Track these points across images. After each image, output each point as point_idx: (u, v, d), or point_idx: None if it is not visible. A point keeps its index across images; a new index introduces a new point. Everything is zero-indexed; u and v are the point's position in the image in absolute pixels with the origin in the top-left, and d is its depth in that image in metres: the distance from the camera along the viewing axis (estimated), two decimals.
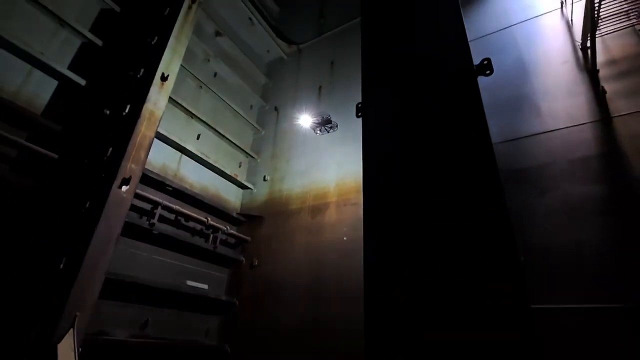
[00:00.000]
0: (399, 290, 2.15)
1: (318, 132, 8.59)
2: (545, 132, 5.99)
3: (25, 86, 5.64)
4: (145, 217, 6.54)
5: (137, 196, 6.13)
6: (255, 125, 9.71)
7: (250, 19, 10.05)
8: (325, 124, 8.44)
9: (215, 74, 9.12)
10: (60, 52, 6.24)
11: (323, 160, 8.01)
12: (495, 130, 6.55)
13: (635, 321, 4.29)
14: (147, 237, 6.49)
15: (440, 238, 2.16)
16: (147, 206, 6.64)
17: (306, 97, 9.41)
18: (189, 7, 7.09)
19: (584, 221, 5.08)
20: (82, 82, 6.30)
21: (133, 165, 5.06)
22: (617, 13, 5.99)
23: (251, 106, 10.21)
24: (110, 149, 5.38)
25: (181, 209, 7.00)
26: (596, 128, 5.57)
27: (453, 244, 2.11)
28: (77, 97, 6.24)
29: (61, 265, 4.32)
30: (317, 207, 7.42)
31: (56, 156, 5.51)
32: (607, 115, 5.57)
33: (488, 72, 2.73)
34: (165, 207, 6.71)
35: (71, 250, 4.35)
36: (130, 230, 6.07)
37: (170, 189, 7.20)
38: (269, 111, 10.10)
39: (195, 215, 7.20)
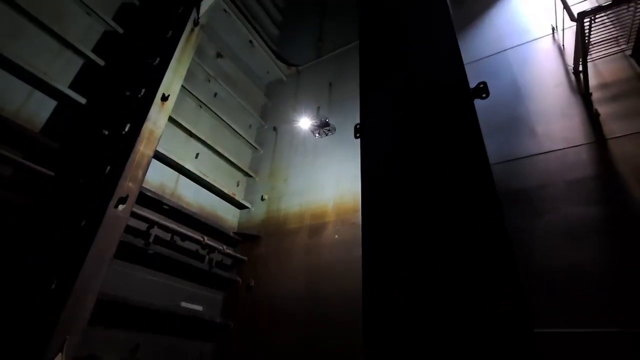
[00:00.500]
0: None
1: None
2: (541, 154, 6.04)
3: (26, 105, 5.68)
4: (141, 237, 6.45)
5: (133, 215, 6.08)
6: (254, 144, 9.78)
7: (250, 41, 10.29)
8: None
9: (215, 94, 9.25)
10: (62, 72, 6.33)
11: (321, 179, 8.02)
12: (492, 151, 6.62)
13: (636, 346, 4.19)
14: (142, 257, 6.38)
15: (440, 261, 2.13)
16: (143, 225, 6.56)
17: (305, 116, 9.50)
18: (192, 30, 7.28)
19: (582, 242, 5.05)
20: (83, 100, 6.35)
21: (131, 184, 5.04)
22: (607, 39, 6.18)
23: (250, 125, 10.31)
24: (109, 167, 5.37)
25: (177, 228, 6.93)
26: (592, 150, 5.63)
27: (453, 267, 2.08)
28: (76, 115, 6.27)
29: (52, 286, 4.22)
30: (315, 227, 7.37)
31: (52, 174, 5.48)
32: (602, 137, 5.65)
33: (484, 95, 2.77)
34: (161, 227, 6.64)
35: (63, 270, 4.26)
36: (124, 250, 5.97)
37: (167, 207, 7.15)
38: (268, 131, 10.19)
39: (191, 234, 7.11)
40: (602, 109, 5.83)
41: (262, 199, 8.70)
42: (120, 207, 4.77)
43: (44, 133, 5.75)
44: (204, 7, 7.66)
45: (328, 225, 7.23)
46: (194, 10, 7.44)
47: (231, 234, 8.24)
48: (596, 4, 6.32)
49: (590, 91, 6.03)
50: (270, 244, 7.86)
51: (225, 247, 7.61)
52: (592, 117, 5.87)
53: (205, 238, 7.25)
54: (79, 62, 6.63)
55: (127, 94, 6.53)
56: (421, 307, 2.06)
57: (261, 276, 7.54)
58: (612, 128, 5.63)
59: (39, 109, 5.84)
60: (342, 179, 7.60)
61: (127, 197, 4.92)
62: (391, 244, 2.42)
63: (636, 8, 5.40)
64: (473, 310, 1.91)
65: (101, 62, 6.88)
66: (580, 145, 5.77)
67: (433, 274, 2.14)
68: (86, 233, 4.51)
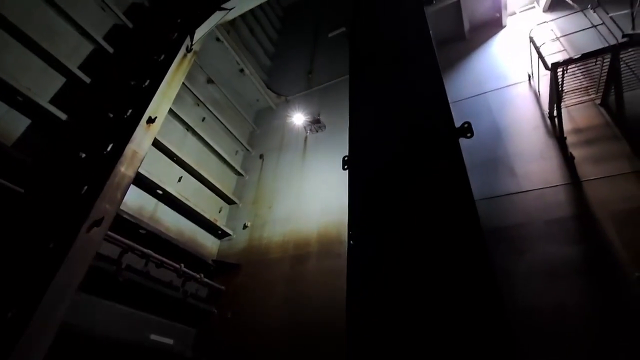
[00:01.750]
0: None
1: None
2: (520, 192, 6.23)
3: (3, 117, 5.50)
4: (112, 263, 6.11)
5: (107, 239, 5.79)
6: (240, 170, 9.70)
7: (242, 70, 10.49)
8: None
9: (203, 119, 9.25)
10: (44, 86, 6.22)
11: (306, 208, 7.95)
12: (473, 188, 6.79)
13: None
14: (111, 285, 6.01)
15: (425, 297, 2.09)
16: (116, 251, 6.24)
17: (292, 146, 9.59)
18: (184, 56, 7.36)
19: (564, 283, 5.11)
20: (63, 116, 6.21)
21: (107, 206, 4.83)
22: (578, 88, 6.63)
23: (236, 152, 10.28)
24: (86, 187, 5.16)
25: (153, 254, 6.61)
26: (568, 191, 5.85)
27: (438, 304, 2.04)
28: (55, 131, 6.10)
29: (9, 314, 3.88)
30: (298, 257, 7.20)
31: (22, 190, 5.22)
32: (577, 179, 5.90)
33: (469, 134, 2.86)
34: (135, 252, 6.33)
35: (24, 298, 3.93)
36: (93, 277, 5.61)
37: (144, 232, 6.87)
38: (254, 157, 10.17)
39: (167, 261, 6.80)
40: (577, 153, 6.13)
41: (245, 227, 8.50)
42: (94, 229, 4.53)
43: (17, 147, 5.53)
44: (198, 35, 7.82)
45: (312, 256, 7.08)
46: (188, 38, 7.56)
47: (210, 261, 7.93)
48: (567, 56, 6.80)
49: (565, 135, 6.36)
50: (250, 274, 7.59)
51: (202, 275, 7.28)
52: (567, 160, 6.15)
53: (182, 265, 6.94)
54: (62, 78, 6.54)
55: (112, 113, 6.44)
56: (406, 341, 2.00)
57: (240, 307, 7.20)
58: (586, 171, 5.90)
59: (14, 122, 5.65)
60: (327, 209, 7.56)
61: (102, 219, 4.70)
62: (377, 276, 2.36)
63: (603, 62, 5.84)
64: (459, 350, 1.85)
65: (87, 79, 6.81)
66: (558, 185, 6.00)
67: (418, 311, 2.09)
68: (53, 256, 4.23)
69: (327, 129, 9.38)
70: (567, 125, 6.46)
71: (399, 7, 3.85)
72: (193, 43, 7.54)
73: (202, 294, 7.65)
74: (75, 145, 6.09)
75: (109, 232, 5.62)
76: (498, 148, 6.80)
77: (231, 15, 7.91)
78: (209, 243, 8.35)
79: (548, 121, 6.80)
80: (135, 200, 6.93)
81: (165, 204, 7.46)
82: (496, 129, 7.15)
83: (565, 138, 6.36)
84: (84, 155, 5.82)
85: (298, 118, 9.71)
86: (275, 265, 7.43)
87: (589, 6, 6.64)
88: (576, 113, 6.64)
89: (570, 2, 7.21)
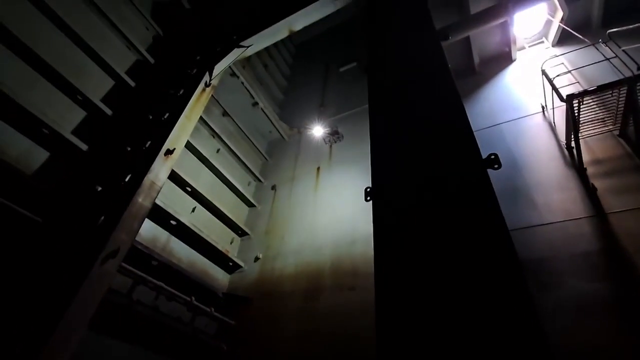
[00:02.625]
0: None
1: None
2: (543, 225, 6.04)
3: (28, 149, 5.66)
4: (123, 296, 5.99)
5: (119, 269, 5.71)
6: (252, 201, 9.69)
7: (256, 103, 10.79)
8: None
9: (218, 150, 9.40)
10: (69, 118, 6.43)
11: (318, 239, 7.81)
12: None
13: None
14: (121, 319, 5.85)
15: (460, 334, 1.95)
16: (126, 281, 6.13)
17: (305, 177, 9.61)
18: (203, 90, 7.62)
19: (595, 321, 4.80)
20: (84, 147, 6.37)
21: (124, 236, 4.81)
22: (594, 120, 6.59)
23: (249, 183, 10.33)
24: (102, 217, 5.17)
25: (164, 286, 6.48)
26: (593, 223, 5.65)
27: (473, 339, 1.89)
28: (76, 161, 6.23)
29: (17, 349, 3.75)
30: (311, 290, 6.96)
31: (40, 220, 5.25)
32: (602, 211, 5.71)
33: (496, 166, 2.81)
34: (148, 284, 6.21)
35: (34, 332, 3.82)
36: (104, 310, 5.48)
37: (156, 263, 6.78)
38: (267, 188, 10.18)
39: (179, 294, 6.64)
40: (598, 184, 5.98)
41: (257, 259, 8.34)
42: (110, 261, 4.47)
43: (36, 177, 5.64)
44: (217, 70, 8.14)
45: (325, 289, 6.84)
46: (207, 73, 7.87)
47: (220, 294, 7.73)
48: (580, 88, 6.82)
49: (585, 166, 6.24)
50: (261, 307, 7.34)
51: (213, 309, 7.07)
52: (589, 191, 5.99)
53: (193, 298, 6.76)
54: (85, 111, 6.76)
55: (132, 145, 6.59)
56: None
57: (250, 343, 6.90)
58: (611, 203, 5.72)
59: (35, 153, 5.80)
60: (340, 241, 7.41)
61: (118, 250, 4.66)
62: (406, 316, 2.23)
63: (620, 94, 5.84)
64: None
65: (109, 112, 7.05)
66: (581, 218, 5.80)
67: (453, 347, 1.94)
68: (67, 288, 4.15)
69: (339, 161, 9.42)
70: (585, 156, 6.37)
71: (417, 42, 3.96)
72: (212, 78, 7.83)
73: (211, 328, 7.38)
74: (94, 176, 6.20)
75: (122, 263, 5.55)
76: (516, 179, 6.69)
77: (248, 53, 8.26)
78: (220, 275, 8.18)
79: (566, 152, 6.72)
80: (149, 230, 6.91)
81: (179, 234, 7.41)
82: (513, 160, 7.07)
83: (585, 169, 6.24)
84: (102, 186, 5.90)
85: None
86: (287, 299, 7.19)
87: (600, 40, 6.75)
88: (594, 144, 6.56)
89: (581, 37, 7.36)
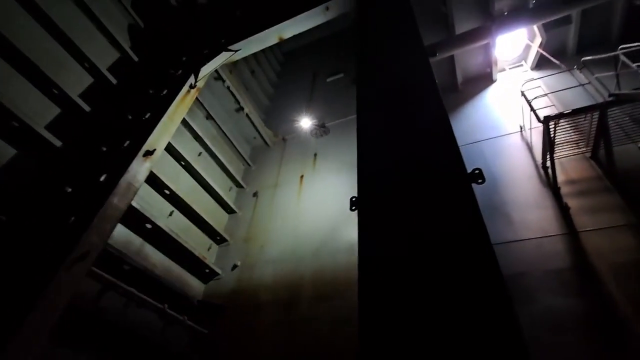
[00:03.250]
0: None
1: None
2: (519, 241, 6.20)
3: None
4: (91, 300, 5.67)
5: (87, 273, 5.41)
6: (233, 207, 9.50)
7: (241, 108, 10.69)
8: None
9: (200, 154, 9.20)
10: (42, 114, 6.15)
11: (300, 247, 7.71)
12: None
13: None
14: (86, 327, 5.53)
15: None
16: (94, 285, 5.82)
17: (288, 184, 9.53)
18: (187, 92, 7.47)
19: (569, 337, 4.92)
20: (58, 143, 6.10)
21: (95, 238, 4.57)
22: (568, 141, 6.90)
23: (230, 188, 10.14)
24: (73, 217, 4.91)
25: (136, 292, 6.19)
26: (566, 241, 5.85)
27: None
28: (48, 157, 5.94)
29: None
30: (291, 300, 6.83)
31: (3, 218, 4.94)
32: (574, 229, 5.93)
33: (480, 180, 2.85)
34: (118, 289, 5.92)
35: None
36: (67, 317, 5.16)
37: (128, 268, 6.49)
38: (248, 194, 10.02)
39: (151, 301, 6.36)
40: (572, 203, 6.22)
41: (235, 267, 8.13)
42: (78, 264, 4.23)
43: (3, 172, 5.32)
44: (203, 73, 8.02)
45: (304, 299, 6.73)
46: (192, 75, 7.73)
47: (195, 302, 7.46)
48: (556, 111, 7.13)
49: (559, 186, 6.49)
50: (237, 317, 7.12)
51: (186, 318, 6.80)
52: (563, 210, 6.22)
53: (166, 306, 6.49)
54: (61, 107, 6.48)
55: (110, 143, 6.35)
56: None
57: (224, 354, 6.66)
58: (583, 221, 5.95)
59: (2, 146, 5.49)
60: (322, 251, 7.34)
61: (88, 253, 4.41)
62: (391, 327, 2.20)
63: (592, 118, 6.14)
64: None
65: (87, 108, 6.79)
66: (555, 235, 6.00)
67: None
68: (30, 292, 3.88)
69: (323, 170, 9.41)
70: (560, 176, 6.63)
71: (407, 57, 4.03)
72: (197, 80, 7.70)
73: (184, 338, 7.09)
74: (67, 174, 5.92)
75: (92, 267, 5.27)
76: (494, 196, 6.87)
77: (236, 57, 8.19)
78: (195, 283, 7.91)
79: (542, 171, 6.97)
80: (122, 234, 6.62)
81: (154, 239, 7.13)
82: (491, 177, 7.27)
83: (560, 188, 6.48)
84: (74, 185, 5.63)
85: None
86: (264, 309, 7.02)
87: (575, 67, 7.12)
88: (568, 165, 6.85)
89: (557, 63, 7.74)
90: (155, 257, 7.17)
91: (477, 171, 2.90)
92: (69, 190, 5.57)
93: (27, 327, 3.54)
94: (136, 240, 6.94)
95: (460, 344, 1.92)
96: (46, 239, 4.64)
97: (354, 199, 3.21)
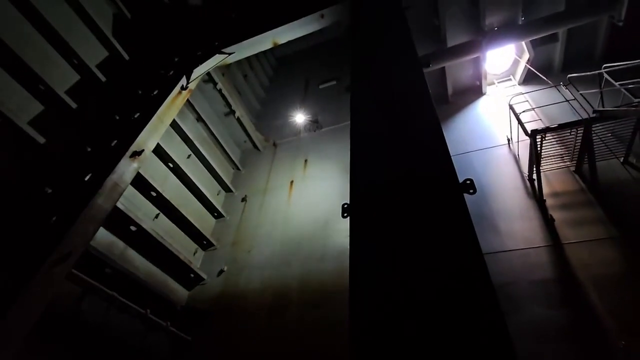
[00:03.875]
0: None
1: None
2: (505, 251, 6.28)
3: None
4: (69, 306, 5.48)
5: (68, 276, 5.23)
6: (221, 211, 9.37)
7: (232, 111, 10.62)
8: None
9: (189, 156, 9.07)
10: (26, 108, 5.99)
11: (288, 253, 7.63)
12: None
13: None
14: (66, 331, 5.33)
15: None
16: (76, 289, 5.63)
17: (277, 189, 9.47)
18: (179, 93, 7.38)
19: (552, 347, 4.98)
20: (41, 140, 5.95)
21: (78, 239, 4.42)
22: (554, 155, 7.07)
23: (218, 192, 10.01)
24: (55, 217, 4.75)
25: (117, 296, 6.01)
26: (550, 252, 5.95)
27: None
28: (30, 154, 5.77)
29: None
30: (277, 307, 6.74)
31: None
32: (558, 241, 6.04)
33: (471, 191, 2.88)
34: (99, 292, 5.73)
35: None
36: (46, 320, 4.97)
37: (110, 271, 6.32)
38: (237, 198, 9.91)
39: (133, 305, 6.17)
40: (556, 215, 6.35)
41: (221, 272, 7.98)
42: (59, 266, 4.08)
43: None
44: (195, 75, 7.94)
45: (291, 306, 6.65)
46: (184, 77, 7.65)
47: (179, 308, 7.29)
48: (542, 125, 7.31)
49: (544, 198, 6.62)
50: (223, 324, 6.98)
51: (169, 324, 6.63)
52: (548, 222, 6.34)
53: (149, 311, 6.32)
54: (47, 103, 6.32)
55: (96, 142, 6.20)
56: None
57: None
58: (567, 234, 6.07)
59: None
60: (310, 257, 7.28)
61: (70, 254, 4.26)
62: (383, 332, 2.18)
63: (577, 133, 6.31)
64: None
65: (73, 105, 6.64)
66: (540, 247, 6.10)
67: None
68: (8, 293, 3.72)
69: (313, 177, 9.39)
70: (545, 189, 6.76)
71: (401, 65, 4.07)
72: (189, 82, 7.62)
73: (166, 344, 6.90)
74: (50, 172, 5.75)
75: (72, 270, 5.10)
76: (482, 206, 6.96)
77: (229, 60, 8.15)
78: (180, 288, 7.73)
79: (528, 183, 7.11)
80: (105, 235, 6.43)
81: (138, 242, 6.96)
82: (479, 187, 7.37)
83: (545, 200, 6.62)
84: (57, 184, 5.47)
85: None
86: (250, 315, 6.90)
87: (561, 83, 7.33)
88: (553, 177, 7.00)
89: (544, 78, 7.96)
90: (139, 261, 6.99)
91: (468, 181, 2.93)
92: (52, 189, 5.41)
93: (4, 329, 3.38)
94: (119, 242, 6.76)
95: (453, 354, 1.91)
96: (27, 239, 4.47)
97: (345, 206, 3.20)
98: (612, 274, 5.37)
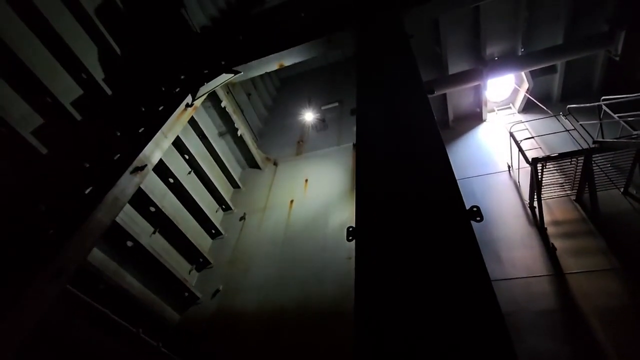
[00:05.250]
0: None
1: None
2: (507, 279, 6.19)
3: None
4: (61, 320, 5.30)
5: (62, 292, 5.08)
6: (219, 228, 9.26)
7: (235, 129, 10.71)
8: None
9: (190, 172, 9.05)
10: (30, 119, 6.02)
11: (286, 275, 7.49)
12: None
13: None
14: (53, 349, 5.13)
15: None
16: (68, 305, 5.46)
17: (277, 208, 9.42)
18: (184, 110, 7.46)
19: None
20: (44, 150, 5.95)
21: (74, 254, 4.33)
22: (555, 183, 7.10)
23: (217, 210, 9.93)
24: (52, 230, 4.67)
25: (110, 314, 5.83)
26: (553, 282, 5.87)
27: None
28: (32, 164, 5.75)
29: None
30: (274, 330, 6.54)
31: None
32: (560, 271, 5.97)
33: (478, 218, 2.86)
34: (92, 310, 5.57)
35: None
36: (34, 338, 4.79)
37: (103, 287, 6.16)
38: (236, 216, 9.83)
39: (125, 324, 5.98)
40: (558, 244, 6.31)
41: (217, 292, 7.79)
42: (53, 282, 3.97)
43: None
44: (201, 92, 8.06)
45: (288, 329, 6.45)
46: (190, 94, 7.75)
47: (172, 329, 7.07)
48: (542, 153, 7.38)
49: (545, 226, 6.60)
50: (216, 346, 6.75)
51: (160, 344, 6.40)
52: (549, 251, 6.29)
53: (141, 331, 6.11)
54: (52, 113, 6.36)
55: (99, 155, 6.19)
56: None
57: None
58: (569, 263, 6.01)
59: None
60: (309, 280, 7.14)
61: (63, 270, 4.16)
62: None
63: (577, 162, 6.37)
64: None
65: (78, 117, 6.69)
66: (542, 276, 6.03)
67: None
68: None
69: (313, 197, 9.36)
70: (546, 217, 6.75)
71: (405, 92, 4.14)
72: (195, 99, 7.72)
73: None
74: (50, 183, 5.71)
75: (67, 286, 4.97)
76: (483, 232, 6.92)
77: (235, 80, 8.29)
78: (174, 307, 7.51)
79: (529, 211, 7.10)
80: (100, 250, 6.31)
81: (134, 257, 6.83)
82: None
83: (546, 229, 6.59)
84: (57, 196, 5.41)
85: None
86: (246, 338, 6.68)
87: (561, 113, 7.48)
88: (554, 206, 7.01)
89: (544, 108, 8.11)
90: (133, 277, 6.83)
91: (475, 208, 2.91)
92: (50, 200, 5.35)
93: None
94: (115, 257, 6.62)
95: None
96: (21, 251, 4.38)
97: (350, 229, 3.16)
98: (616, 307, 5.28)
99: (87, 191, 5.30)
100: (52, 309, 5.02)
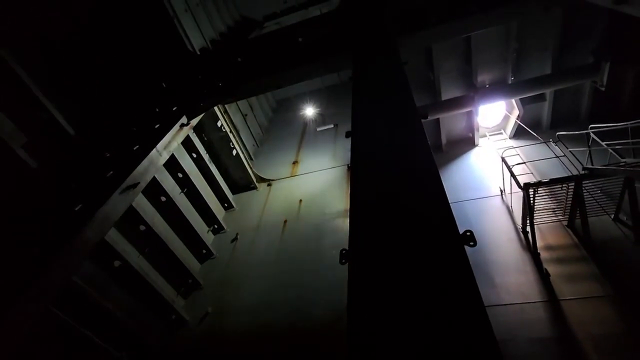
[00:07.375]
0: None
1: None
2: (501, 305, 6.12)
3: None
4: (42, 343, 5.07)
5: (45, 312, 4.88)
6: (211, 248, 9.10)
7: (230, 149, 10.73)
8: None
9: (182, 191, 8.98)
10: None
11: (278, 297, 7.31)
12: None
13: None
14: None
15: None
16: (49, 326, 5.24)
17: (270, 229, 9.32)
18: (180, 128, 7.50)
19: None
20: (34, 164, 5.90)
21: (59, 273, 4.20)
22: (546, 209, 7.17)
23: (208, 230, 9.79)
24: (38, 248, 4.55)
25: (93, 337, 5.59)
26: (547, 308, 5.82)
27: None
28: (20, 179, 5.68)
29: None
30: (264, 355, 6.31)
31: None
32: (555, 297, 5.93)
33: (472, 243, 2.86)
34: (74, 332, 5.34)
35: None
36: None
37: (87, 306, 5.94)
38: (228, 236, 9.69)
39: (109, 348, 5.74)
40: (551, 269, 6.30)
41: (206, 314, 7.57)
42: (36, 300, 3.83)
43: None
44: (197, 112, 8.13)
45: (280, 355, 6.24)
46: (185, 114, 7.80)
47: (157, 353, 6.79)
48: (533, 179, 7.48)
49: (539, 251, 6.61)
50: None
51: None
52: (543, 276, 6.27)
53: (124, 354, 5.86)
54: (46, 125, 6.35)
55: (91, 171, 6.14)
56: None
57: None
58: (563, 289, 5.98)
59: None
60: (301, 302, 6.98)
61: (48, 290, 4.02)
62: None
63: (568, 188, 6.47)
64: None
65: (71, 131, 6.68)
66: (536, 302, 5.97)
67: None
68: None
69: (306, 218, 9.30)
70: (539, 242, 6.77)
71: (401, 117, 4.22)
72: (191, 118, 7.78)
73: None
74: (37, 200, 5.61)
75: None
76: (476, 256, 6.89)
77: (232, 100, 8.40)
78: (160, 331, 7.25)
79: (521, 235, 7.13)
80: (86, 268, 6.13)
81: (120, 277, 6.63)
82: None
83: (539, 254, 6.59)
84: (44, 213, 5.31)
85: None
86: None
87: (551, 140, 7.65)
88: (546, 231, 7.04)
89: (534, 134, 8.30)
90: (119, 298, 6.61)
91: (468, 233, 2.91)
92: (38, 216, 5.25)
93: None
94: (100, 276, 6.42)
95: None
96: (4, 269, 4.23)
97: (344, 252, 3.13)
98: (611, 334, 5.22)
99: (76, 208, 5.21)
100: (34, 330, 4.82)
